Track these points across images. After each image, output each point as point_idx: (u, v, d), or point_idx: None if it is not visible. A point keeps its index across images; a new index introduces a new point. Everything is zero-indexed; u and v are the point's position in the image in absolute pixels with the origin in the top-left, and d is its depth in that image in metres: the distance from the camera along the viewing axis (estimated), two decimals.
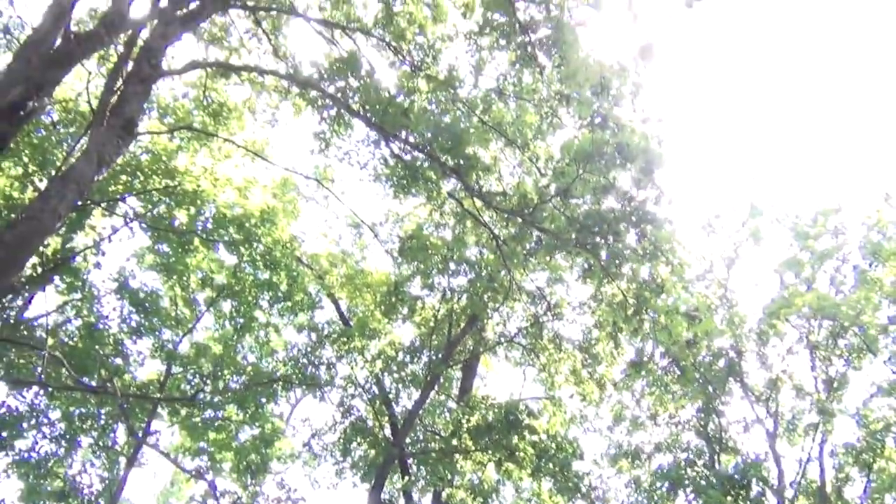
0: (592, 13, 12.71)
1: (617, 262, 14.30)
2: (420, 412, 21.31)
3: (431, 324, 21.34)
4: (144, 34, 13.84)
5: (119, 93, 12.59)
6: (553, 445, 20.29)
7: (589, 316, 20.26)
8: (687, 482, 20.92)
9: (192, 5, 14.05)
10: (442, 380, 22.48)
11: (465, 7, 14.30)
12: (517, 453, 20.19)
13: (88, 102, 17.25)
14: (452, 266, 20.16)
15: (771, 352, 22.27)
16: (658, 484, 21.55)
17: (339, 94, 15.68)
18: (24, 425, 19.25)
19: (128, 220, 18.66)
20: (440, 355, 21.14)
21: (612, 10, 12.47)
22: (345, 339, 21.10)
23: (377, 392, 21.53)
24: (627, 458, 22.74)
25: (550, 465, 20.33)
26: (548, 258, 16.62)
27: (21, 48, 13.02)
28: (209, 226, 19.22)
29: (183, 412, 20.89)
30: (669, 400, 21.97)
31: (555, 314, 20.85)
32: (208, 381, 20.44)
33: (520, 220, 15.38)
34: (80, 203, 15.16)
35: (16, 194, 17.07)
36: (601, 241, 13.95)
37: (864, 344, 21.42)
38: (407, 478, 20.50)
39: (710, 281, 22.09)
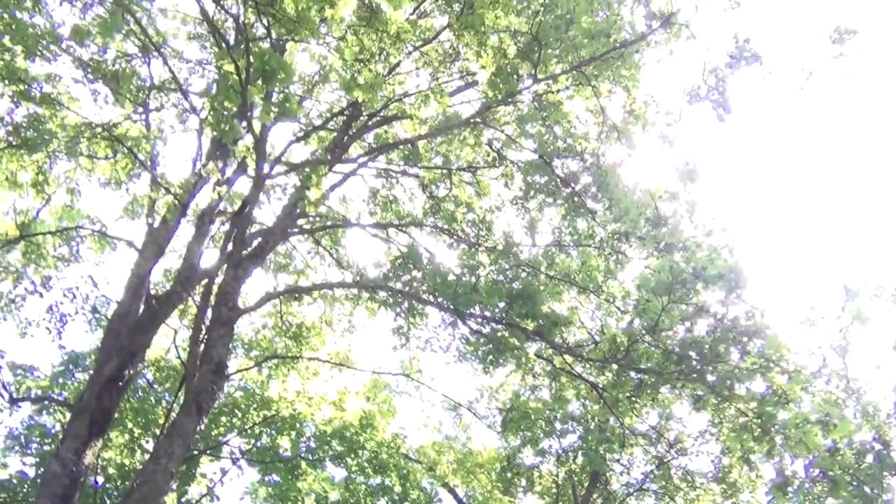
0: (628, 152, 12.91)
1: (727, 383, 13.56)
2: None
3: (554, 490, 20.37)
4: (218, 279, 14.58)
5: (204, 340, 13.10)
6: None
7: (714, 443, 19.03)
8: None
9: (255, 242, 14.90)
10: None
11: (505, 177, 14.70)
12: None
13: (178, 356, 18.05)
14: (559, 426, 19.47)
15: None
16: None
17: (406, 288, 16.00)
18: None
19: (234, 459, 18.83)
20: None
21: (646, 143, 12.66)
22: None
23: None
24: None
25: None
26: (653, 398, 15.87)
27: (109, 323, 13.89)
28: (312, 445, 19.22)
29: None
30: None
31: (678, 450, 19.68)
32: None
33: (614, 365, 14.91)
34: (187, 455, 15.47)
35: (126, 461, 17.48)
36: (704, 367, 13.32)
37: None
38: None
39: (828, 376, 20.65)
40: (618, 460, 19.91)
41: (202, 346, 12.93)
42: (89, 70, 12.70)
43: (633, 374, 15.06)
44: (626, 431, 18.19)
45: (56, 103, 13.23)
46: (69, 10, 12.09)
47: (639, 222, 13.15)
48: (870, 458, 20.03)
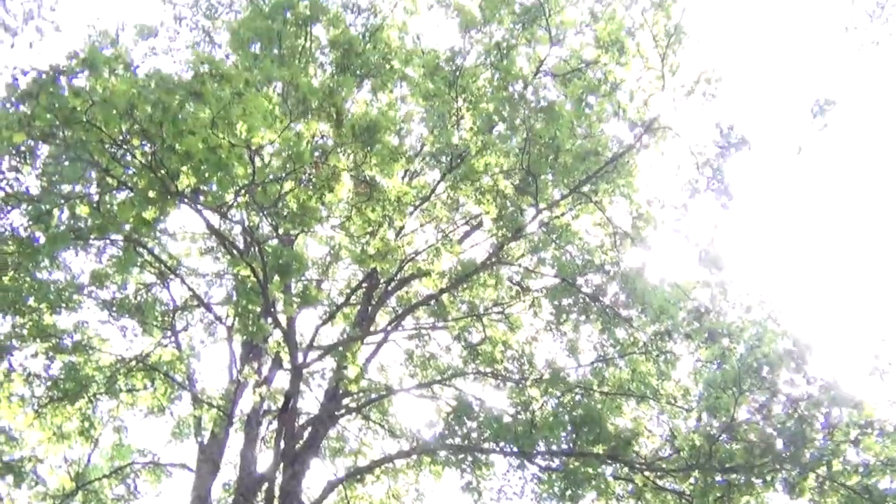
0: (646, 254, 12.90)
1: (824, 460, 12.85)
2: None
3: None
4: (277, 480, 14.30)
5: None
6: None
7: None
8: None
9: (306, 433, 14.72)
10: None
11: (533, 307, 14.63)
12: None
13: None
14: None
15: None
16: None
17: (465, 441, 15.61)
18: None
19: None
20: None
21: (660, 240, 12.66)
22: None
23: None
24: None
25: None
26: (751, 492, 15.00)
27: None
28: None
29: None
30: None
31: None
32: None
33: (697, 472, 14.24)
34: None
35: None
36: (795, 451, 12.66)
37: None
38: None
39: None
40: None
41: None
42: (113, 308, 13.06)
43: (718, 476, 14.35)
44: None
45: (87, 349, 13.50)
46: (84, 258, 12.57)
47: (677, 318, 12.92)
48: None
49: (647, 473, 15.46)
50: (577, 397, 15.42)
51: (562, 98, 11.37)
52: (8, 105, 9.25)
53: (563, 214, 12.64)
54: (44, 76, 9.51)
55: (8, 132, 9.44)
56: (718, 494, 15.42)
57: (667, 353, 14.92)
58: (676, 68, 11.73)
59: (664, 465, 15.08)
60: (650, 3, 11.85)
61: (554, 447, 15.12)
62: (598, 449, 14.93)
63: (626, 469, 15.84)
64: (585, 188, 11.73)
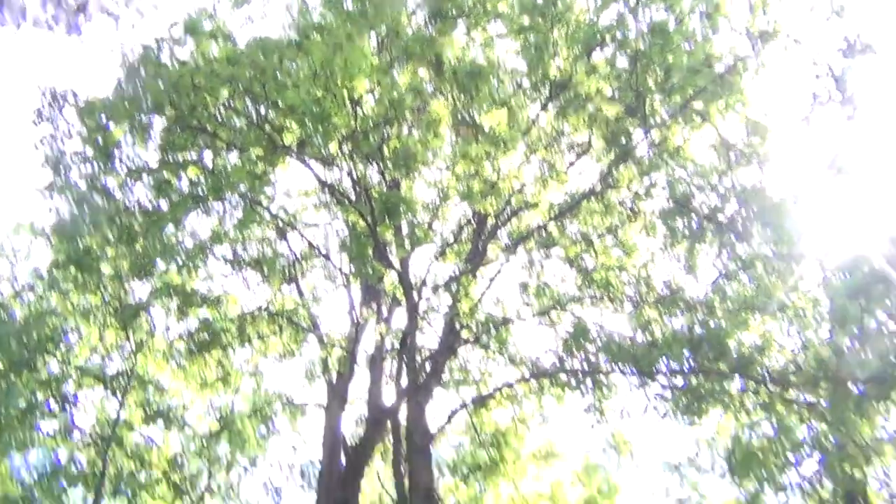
0: (764, 171, 12.24)
1: None
2: None
3: None
4: (403, 412, 14.86)
5: (408, 472, 13.30)
6: None
7: None
8: None
9: (428, 367, 15.14)
10: None
11: (646, 229, 14.27)
12: None
13: (387, 493, 18.38)
14: (792, 457, 18.00)
15: None
16: None
17: (584, 364, 15.65)
18: None
19: None
20: None
21: (783, 154, 11.95)
22: None
23: None
24: None
25: None
26: (883, 404, 14.43)
27: (318, 482, 14.51)
28: None
29: None
30: None
31: None
32: None
33: (827, 382, 13.79)
34: None
35: None
36: None
37: None
38: None
39: None
40: (872, 476, 18.08)
41: (408, 478, 13.14)
42: (236, 264, 13.65)
43: (851, 386, 13.84)
44: (869, 442, 16.59)
45: (216, 303, 14.21)
46: (206, 220, 13.13)
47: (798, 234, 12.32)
48: None
49: (773, 387, 15.11)
50: (700, 315, 15.11)
51: (668, 15, 10.72)
52: (122, 82, 9.58)
53: (674, 135, 12.10)
54: (149, 50, 9.78)
55: (124, 107, 9.80)
56: (852, 406, 14.94)
57: (792, 265, 14.33)
58: None
59: (793, 379, 14.68)
60: None
61: (675, 366, 14.94)
62: (722, 365, 14.66)
63: (752, 384, 15.54)
64: (697, 105, 11.14)
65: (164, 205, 11.61)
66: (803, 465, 18.67)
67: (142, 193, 11.50)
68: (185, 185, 11.44)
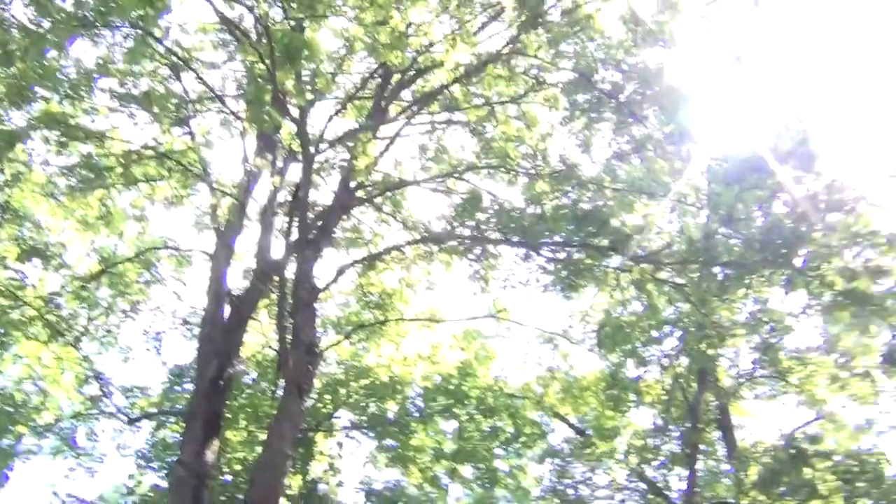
0: (667, 52, 12.44)
1: (814, 264, 13.20)
2: (696, 487, 20.03)
3: (664, 397, 20.35)
4: (292, 267, 14.85)
5: (291, 326, 13.44)
6: (853, 463, 18.30)
7: (819, 317, 18.60)
8: None
9: (319, 223, 15.07)
10: (703, 447, 21.18)
11: (549, 101, 14.40)
12: (817, 488, 18.32)
13: (270, 346, 18.62)
14: (656, 334, 19.35)
15: None
16: None
17: (475, 233, 16.01)
18: None
19: (348, 432, 19.44)
20: (688, 424, 20.02)
21: (688, 37, 12.15)
22: (588, 449, 20.51)
23: (645, 486, 20.57)
24: None
25: (861, 486, 18.26)
26: (743, 288, 15.57)
27: (201, 330, 14.41)
28: (419, 404, 19.65)
29: None
30: None
31: (782, 331, 19.34)
32: None
33: (695, 265, 14.69)
34: (300, 436, 16.07)
35: (248, 456, 18.23)
36: (788, 251, 12.98)
37: None
38: None
39: None
40: (723, 355, 19.74)
41: (291, 333, 13.30)
42: (124, 98, 12.91)
43: (716, 270, 14.80)
44: (725, 324, 17.97)
45: (100, 137, 13.50)
46: (93, 49, 12.26)
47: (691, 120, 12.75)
48: None
49: (645, 266, 15.95)
50: (589, 193, 15.60)
51: None
52: None
53: (585, 3, 12.07)
54: None
55: None
56: (715, 288, 16.05)
57: (681, 150, 14.87)
58: None
59: (663, 259, 15.51)
60: None
61: (559, 239, 15.50)
62: (601, 242, 15.31)
63: (630, 263, 16.37)
64: None
65: (45, 24, 10.68)
66: (664, 342, 20.18)
67: (20, 10, 10.53)
68: (69, 5, 10.53)
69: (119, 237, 16.15)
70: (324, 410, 19.22)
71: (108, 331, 17.37)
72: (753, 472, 19.13)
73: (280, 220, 15.75)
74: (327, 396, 19.46)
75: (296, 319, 13.44)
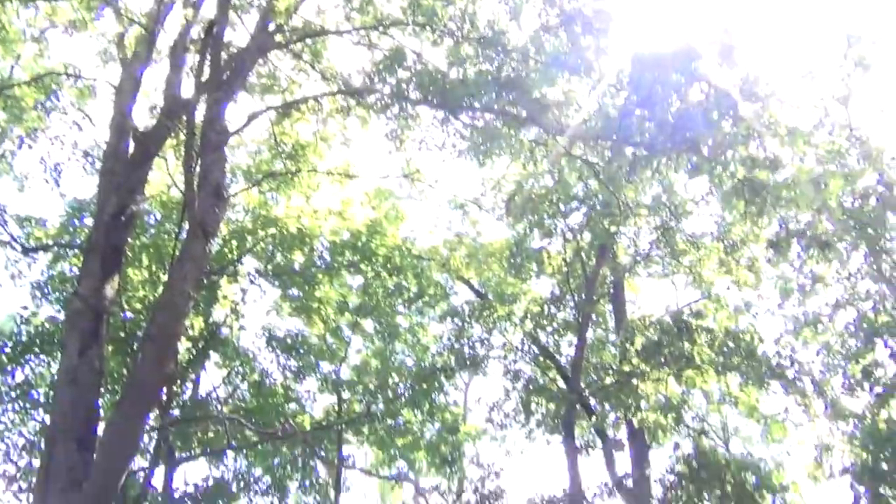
0: None
1: (720, 151, 13.65)
2: (585, 353, 21.25)
3: (564, 269, 21.16)
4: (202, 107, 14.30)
5: (199, 167, 13.10)
6: (729, 339, 19.72)
7: (716, 205, 19.48)
8: (882, 329, 19.89)
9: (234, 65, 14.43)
10: (595, 317, 22.36)
11: None
12: (695, 359, 19.77)
13: (176, 187, 18.17)
14: (563, 207, 19.89)
15: None
16: (852, 341, 20.67)
17: (394, 91, 15.71)
18: (235, 489, 20.64)
19: (253, 279, 19.52)
20: (583, 295, 20.98)
21: None
22: (488, 312, 21.30)
23: (537, 350, 21.68)
24: (809, 326, 21.81)
25: (734, 360, 19.78)
26: (651, 170, 16.00)
27: (102, 164, 13.92)
28: (325, 256, 19.82)
29: (366, 430, 21.74)
30: (830, 259, 20.90)
31: (681, 215, 20.20)
32: (378, 395, 21.23)
33: (608, 142, 14.96)
34: (204, 279, 16.08)
35: (149, 295, 18.16)
36: (698, 136, 13.34)
37: None
38: (594, 417, 20.55)
39: (831, 126, 20.63)
40: (624, 233, 20.53)
41: (198, 175, 12.97)
42: None
43: (627, 149, 15.09)
44: (629, 204, 18.61)
45: None
46: None
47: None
48: (873, 201, 20.63)
49: (562, 141, 16.15)
50: (513, 63, 15.41)
51: None
52: None
53: None
54: None
55: None
56: (626, 167, 16.45)
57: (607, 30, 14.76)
58: None
59: (578, 134, 15.70)
60: None
61: (478, 105, 15.42)
62: (521, 112, 15.32)
63: (545, 135, 16.50)
64: None
65: None
66: (571, 217, 20.82)
67: None
68: None
69: (15, 60, 15.06)
70: (229, 256, 19.11)
71: (2, 155, 16.53)
72: (638, 343, 20.41)
73: (191, 58, 14.99)
74: (234, 243, 19.31)
75: (204, 161, 13.04)
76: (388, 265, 20.02)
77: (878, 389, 19.49)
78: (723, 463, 19.39)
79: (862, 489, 18.76)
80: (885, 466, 18.29)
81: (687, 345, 19.66)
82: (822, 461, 20.93)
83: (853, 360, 20.44)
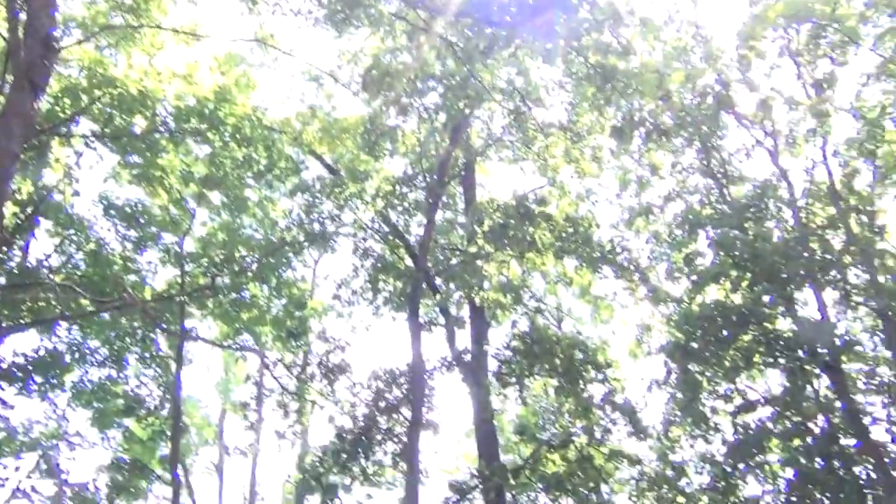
0: None
1: (574, 38, 13.85)
2: (433, 234, 21.62)
3: (418, 149, 21.16)
4: None
5: (26, 12, 11.89)
6: (569, 225, 20.65)
7: (566, 94, 19.90)
8: (705, 221, 21.48)
9: None
10: (445, 199, 22.69)
11: None
12: (536, 243, 20.63)
13: (1, 36, 16.40)
14: (420, 85, 19.65)
15: (755, 74, 22.02)
16: (678, 231, 22.22)
17: None
18: (68, 360, 19.96)
19: (88, 142, 18.25)
20: (435, 176, 21.16)
21: None
22: (339, 189, 21.11)
23: (387, 229, 21.85)
24: (642, 216, 23.21)
25: (571, 245, 20.81)
26: (507, 52, 16.04)
27: None
28: (169, 122, 18.73)
29: (210, 304, 21.38)
30: (668, 150, 22.12)
31: (532, 101, 20.51)
32: (224, 268, 20.83)
33: (468, 19, 14.78)
34: (33, 138, 14.87)
35: None
36: (558, 21, 13.43)
37: (846, 36, 21.03)
38: (438, 295, 21.19)
39: (680, 23, 21.38)
40: (478, 117, 20.66)
41: (23, 21, 11.77)
42: None
43: (487, 27, 14.98)
44: (484, 86, 18.62)
45: None
46: None
47: None
48: (710, 100, 21.83)
49: (421, 12, 15.74)
50: None
51: None
52: None
53: None
54: None
55: None
56: (484, 46, 16.39)
57: None
58: None
59: (439, 6, 15.38)
60: None
61: None
62: None
63: (407, 9, 16.05)
64: None
65: None
66: (427, 96, 20.66)
67: None
68: None
69: None
70: (62, 115, 17.65)
71: None
72: (485, 225, 21.02)
73: None
74: (67, 101, 17.80)
75: (30, 5, 11.82)
76: (238, 135, 19.24)
77: (695, 277, 21.22)
78: (554, 340, 20.72)
79: (674, 365, 20.69)
80: (695, 345, 20.15)
81: (530, 229, 20.47)
82: (642, 340, 22.88)
83: (677, 248, 22.09)
